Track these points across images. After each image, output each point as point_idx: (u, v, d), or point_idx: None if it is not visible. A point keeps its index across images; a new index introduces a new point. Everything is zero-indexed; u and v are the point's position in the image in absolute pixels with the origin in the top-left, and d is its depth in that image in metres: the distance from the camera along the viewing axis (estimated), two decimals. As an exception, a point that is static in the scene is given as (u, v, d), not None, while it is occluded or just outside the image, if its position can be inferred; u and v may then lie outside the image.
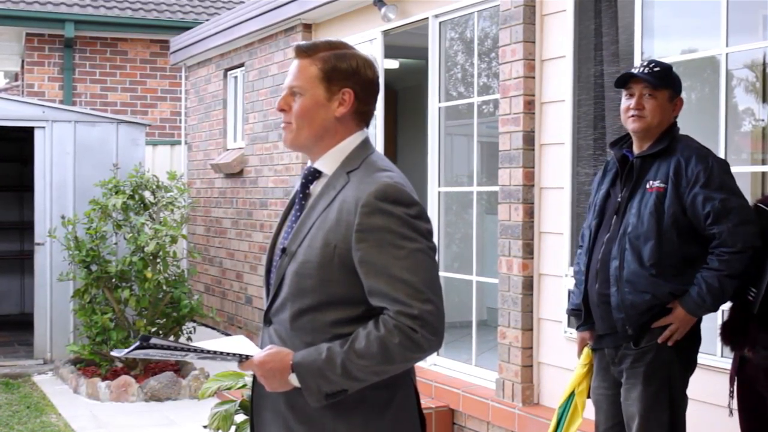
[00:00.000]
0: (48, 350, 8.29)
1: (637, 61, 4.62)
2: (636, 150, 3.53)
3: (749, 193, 4.17)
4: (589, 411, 3.76)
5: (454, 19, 6.31)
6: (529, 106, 5.26)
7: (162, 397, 7.13)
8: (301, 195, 2.32)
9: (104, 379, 7.30)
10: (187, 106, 11.04)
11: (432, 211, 6.29)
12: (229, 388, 4.54)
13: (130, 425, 6.47)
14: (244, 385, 4.39)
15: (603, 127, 5.00)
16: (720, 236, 3.29)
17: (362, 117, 2.31)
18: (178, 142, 11.23)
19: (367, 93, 2.28)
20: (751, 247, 3.28)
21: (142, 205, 7.64)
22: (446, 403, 5.79)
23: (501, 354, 5.42)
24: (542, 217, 5.25)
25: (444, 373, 6.11)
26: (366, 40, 7.01)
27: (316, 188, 2.30)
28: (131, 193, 7.58)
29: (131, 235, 7.36)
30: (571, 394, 3.71)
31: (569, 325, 4.95)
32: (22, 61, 12.90)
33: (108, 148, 8.41)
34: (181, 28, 11.54)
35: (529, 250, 5.27)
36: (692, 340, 3.45)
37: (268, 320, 2.32)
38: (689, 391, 3.48)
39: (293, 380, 2.16)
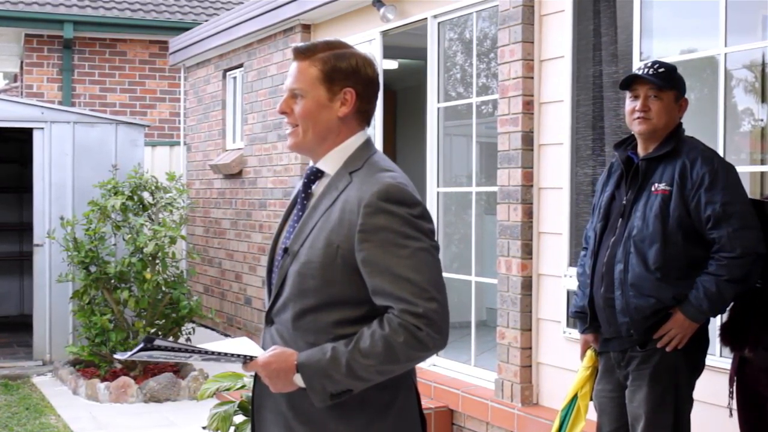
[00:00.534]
0: (47, 351, 8.29)
1: (636, 61, 4.62)
2: (641, 152, 3.48)
3: (749, 193, 4.16)
4: (591, 414, 3.75)
5: (453, 20, 6.31)
6: (528, 106, 5.26)
7: (161, 398, 7.13)
8: (303, 195, 2.32)
9: (103, 380, 7.30)
10: (186, 106, 11.03)
11: (431, 212, 6.24)
12: (228, 389, 4.54)
13: (130, 426, 6.46)
14: (243, 386, 4.39)
15: (602, 127, 4.99)
16: (720, 240, 3.26)
17: (364, 116, 2.31)
18: (177, 143, 11.22)
19: (368, 92, 2.28)
20: (752, 252, 3.23)
21: (141, 206, 7.64)
22: (445, 404, 5.79)
23: (500, 354, 5.42)
24: (541, 218, 5.25)
25: (443, 373, 6.11)
26: (365, 40, 7.01)
27: (318, 188, 2.30)
28: (130, 194, 7.57)
29: (130, 236, 7.36)
30: (574, 397, 3.68)
31: (568, 325, 4.95)
32: (21, 62, 12.89)
33: (107, 149, 8.40)
34: (180, 28, 11.52)
35: (528, 251, 5.27)
36: (699, 343, 3.42)
37: (269, 320, 2.32)
38: (690, 392, 3.48)
39: (298, 380, 2.16)
